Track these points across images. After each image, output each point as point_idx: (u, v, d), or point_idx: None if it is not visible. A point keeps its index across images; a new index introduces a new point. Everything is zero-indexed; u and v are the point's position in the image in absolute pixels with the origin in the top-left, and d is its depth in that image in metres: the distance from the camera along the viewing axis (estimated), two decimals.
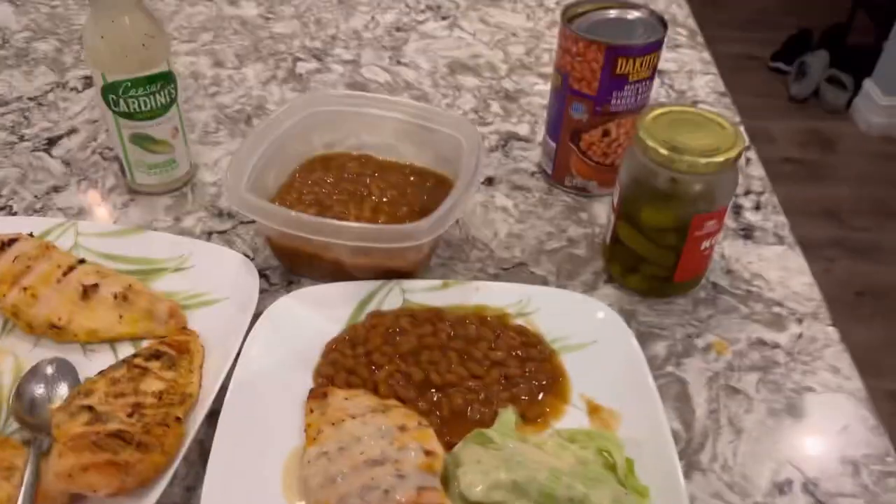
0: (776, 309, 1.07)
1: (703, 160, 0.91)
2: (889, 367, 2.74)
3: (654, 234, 1.01)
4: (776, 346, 1.02)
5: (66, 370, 0.90)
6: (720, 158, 0.92)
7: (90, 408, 0.80)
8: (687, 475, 0.86)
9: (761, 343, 1.02)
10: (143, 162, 1.16)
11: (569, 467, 0.77)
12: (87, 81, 1.49)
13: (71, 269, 0.98)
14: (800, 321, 1.05)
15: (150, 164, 1.17)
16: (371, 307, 1.00)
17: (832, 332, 1.03)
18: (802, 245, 1.18)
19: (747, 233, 1.20)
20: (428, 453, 0.79)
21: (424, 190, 1.13)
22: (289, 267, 1.08)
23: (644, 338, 1.02)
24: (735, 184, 0.99)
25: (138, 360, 0.89)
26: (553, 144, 1.22)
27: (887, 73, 3.94)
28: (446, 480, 0.80)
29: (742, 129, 1.31)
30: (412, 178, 1.16)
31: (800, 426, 0.92)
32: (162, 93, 1.10)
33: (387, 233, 0.94)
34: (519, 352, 0.96)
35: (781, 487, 0.85)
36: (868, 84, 4.07)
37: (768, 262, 1.15)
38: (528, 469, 0.75)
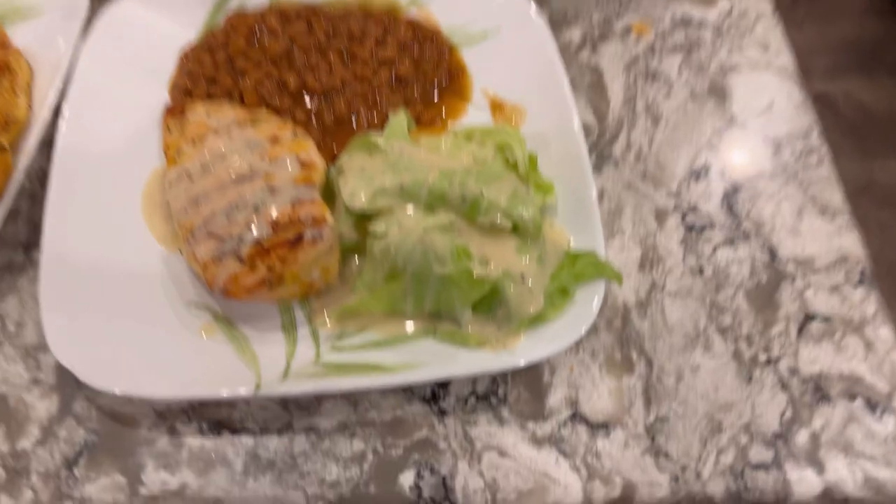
0: None
1: None
2: (818, 70, 2.70)
3: None
4: (703, 23, 0.90)
5: None
6: None
7: None
8: (598, 168, 0.79)
9: (687, 21, 0.90)
10: None
11: (464, 168, 0.68)
12: None
13: None
14: None
15: None
16: (231, 7, 0.83)
17: (766, 5, 0.92)
18: None
19: None
20: (304, 165, 0.69)
21: None
22: None
23: (557, 24, 0.89)
24: None
25: None
26: None
27: None
28: (331, 194, 0.71)
29: None
30: None
31: (722, 108, 0.83)
32: None
33: None
34: (412, 48, 0.83)
35: (697, 174, 0.79)
36: None
37: None
38: (416, 172, 0.66)
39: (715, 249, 0.74)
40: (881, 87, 2.60)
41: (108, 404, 0.63)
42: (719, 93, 0.84)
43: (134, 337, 0.64)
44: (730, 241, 0.75)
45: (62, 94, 0.74)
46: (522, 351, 0.63)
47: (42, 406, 0.63)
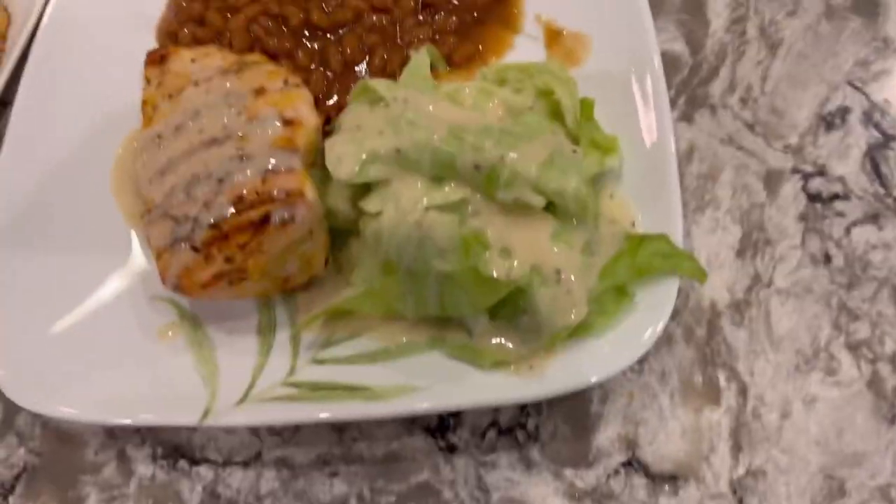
0: None
1: None
2: None
3: None
4: None
5: None
6: None
7: None
8: (686, 116, 0.59)
9: None
10: None
11: (483, 123, 0.51)
12: None
13: None
14: None
15: None
16: None
17: None
18: None
19: None
20: (288, 123, 0.54)
21: None
22: None
23: None
24: None
25: None
26: None
27: None
28: None
29: None
30: None
31: (872, 28, 0.60)
32: None
33: None
34: None
35: (830, 120, 0.57)
36: None
37: None
38: (420, 130, 0.49)
39: (850, 228, 0.53)
40: None
41: (54, 421, 0.53)
42: (869, 6, 0.61)
43: (81, 341, 0.52)
44: (872, 217, 0.53)
45: (30, 41, 0.63)
46: (555, 375, 0.46)
47: None
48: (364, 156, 0.50)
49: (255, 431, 0.51)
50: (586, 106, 0.53)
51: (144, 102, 0.60)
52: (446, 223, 0.47)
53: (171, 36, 0.65)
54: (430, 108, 0.52)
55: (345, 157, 0.51)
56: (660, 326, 0.46)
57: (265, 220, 0.49)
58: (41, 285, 0.54)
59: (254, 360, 0.51)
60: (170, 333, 0.54)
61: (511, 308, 0.48)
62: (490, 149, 0.47)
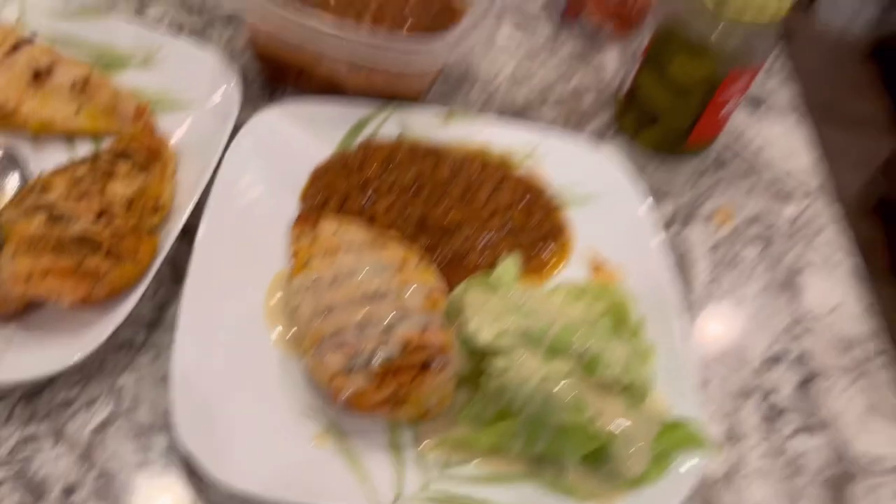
0: (782, 183, 1.03)
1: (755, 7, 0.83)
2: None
3: (680, 89, 0.93)
4: (780, 217, 0.98)
5: (13, 161, 0.78)
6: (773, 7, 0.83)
7: (49, 207, 0.69)
8: None
9: (767, 213, 0.98)
10: None
11: (587, 323, 0.72)
12: None
13: (18, 46, 0.83)
14: (807, 195, 1.01)
15: None
16: (365, 134, 0.90)
17: (837, 208, 1.01)
18: None
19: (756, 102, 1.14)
20: (431, 291, 0.73)
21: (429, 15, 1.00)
22: (271, 77, 0.96)
23: (653, 195, 0.96)
24: (777, 38, 0.90)
25: (105, 158, 0.77)
26: None
27: None
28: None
29: None
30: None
31: (796, 302, 0.90)
32: None
33: (398, 46, 0.82)
34: (524, 200, 0.90)
35: (776, 359, 0.84)
36: None
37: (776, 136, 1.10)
38: (540, 319, 0.70)
39: (793, 434, 0.78)
40: None
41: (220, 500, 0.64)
42: (793, 287, 0.91)
43: (253, 437, 0.65)
44: (807, 429, 0.79)
45: (205, 189, 0.78)
46: None
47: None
48: (499, 329, 0.69)
49: None
50: (639, 323, 0.77)
51: (296, 252, 0.77)
52: (564, 387, 0.66)
53: (317, 204, 0.83)
54: (539, 304, 0.73)
55: (482, 327, 0.70)
56: (688, 487, 0.67)
57: (427, 363, 0.66)
58: (221, 390, 0.67)
59: (389, 468, 0.66)
60: (314, 442, 0.67)
61: (596, 457, 0.67)
62: (594, 342, 0.69)
